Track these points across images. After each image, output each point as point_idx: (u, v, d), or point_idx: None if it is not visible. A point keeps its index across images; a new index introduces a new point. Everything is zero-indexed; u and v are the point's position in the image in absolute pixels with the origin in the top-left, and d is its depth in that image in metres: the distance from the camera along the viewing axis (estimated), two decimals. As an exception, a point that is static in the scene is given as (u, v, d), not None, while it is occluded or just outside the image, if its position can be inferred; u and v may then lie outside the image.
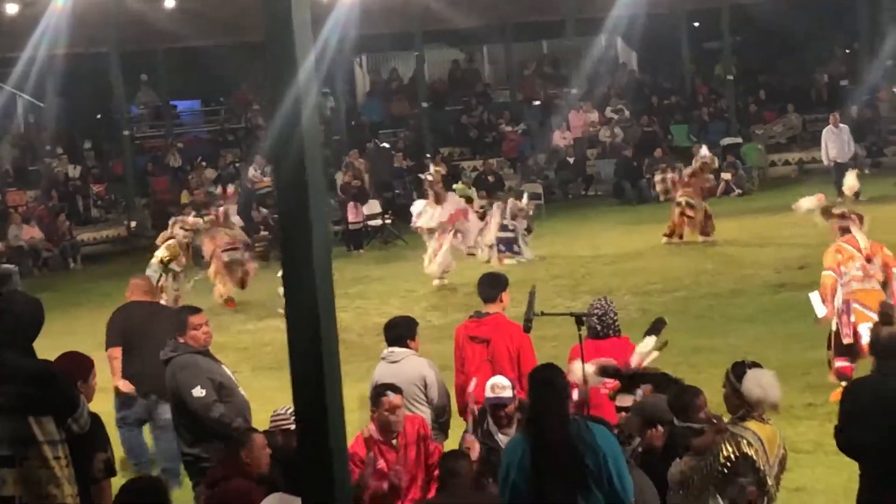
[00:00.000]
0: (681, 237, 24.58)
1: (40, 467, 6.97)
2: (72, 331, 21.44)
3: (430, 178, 23.28)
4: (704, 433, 7.45)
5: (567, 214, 31.48)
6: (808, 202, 14.21)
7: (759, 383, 7.38)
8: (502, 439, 8.39)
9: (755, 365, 7.61)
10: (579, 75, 38.34)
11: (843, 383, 11.97)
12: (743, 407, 7.43)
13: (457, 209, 22.77)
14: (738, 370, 7.52)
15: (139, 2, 30.20)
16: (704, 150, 26.23)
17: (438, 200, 22.60)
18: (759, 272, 20.65)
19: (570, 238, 26.77)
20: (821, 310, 13.45)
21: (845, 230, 13.57)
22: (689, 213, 24.52)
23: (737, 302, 18.78)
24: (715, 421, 7.59)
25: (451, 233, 22.43)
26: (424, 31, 37.49)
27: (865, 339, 12.00)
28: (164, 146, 37.73)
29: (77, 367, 7.82)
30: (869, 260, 13.26)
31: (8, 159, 35.38)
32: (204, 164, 34.91)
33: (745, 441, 7.26)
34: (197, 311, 9.89)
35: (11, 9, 29.87)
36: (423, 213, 22.84)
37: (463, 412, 10.02)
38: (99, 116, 40.10)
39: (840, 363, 13.18)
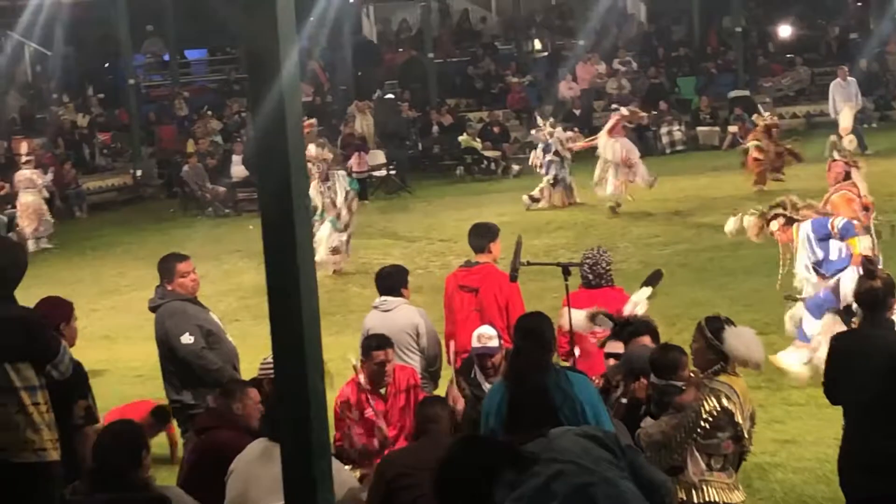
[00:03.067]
0: (763, 183, 24.25)
1: (17, 412, 7.00)
2: (77, 279, 21.61)
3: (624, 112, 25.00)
4: (686, 390, 7.40)
5: (572, 166, 31.37)
6: (732, 224, 13.65)
7: (744, 342, 7.32)
8: (489, 388, 8.40)
9: (729, 321, 7.57)
10: (587, 27, 38.17)
11: None
12: (718, 362, 7.37)
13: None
14: (714, 325, 7.45)
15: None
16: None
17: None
18: (763, 225, 20.61)
19: (575, 187, 26.69)
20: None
21: (847, 175, 13.43)
22: (758, 155, 24.29)
23: (738, 254, 18.74)
24: (692, 376, 7.54)
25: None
26: (433, -20, 37.39)
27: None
28: (171, 95, 37.63)
29: (57, 310, 7.82)
30: (867, 208, 13.17)
31: (15, 107, 35.29)
32: (210, 113, 34.82)
33: (724, 395, 7.20)
34: (184, 258, 9.84)
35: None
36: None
37: (452, 361, 10.08)
38: (106, 65, 40.00)
39: None
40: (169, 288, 9.65)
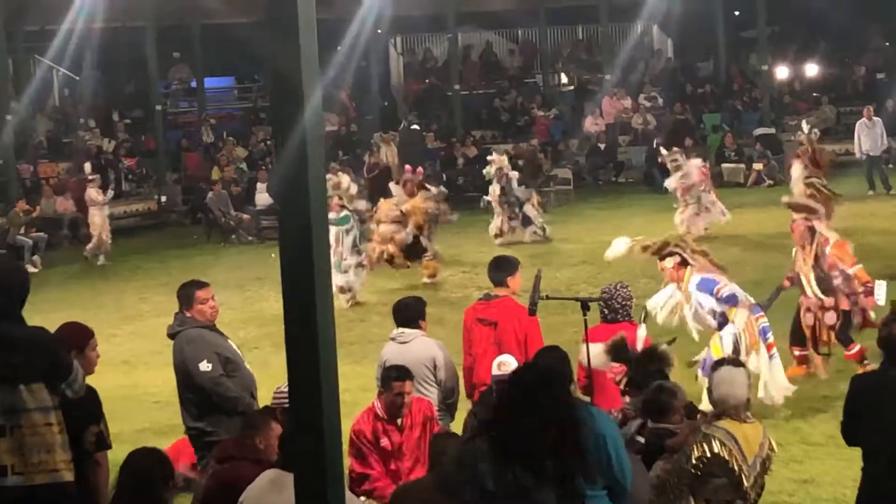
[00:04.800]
0: None
1: (32, 435, 6.98)
2: (99, 304, 21.68)
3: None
4: (678, 434, 7.37)
5: (596, 200, 31.44)
6: (616, 249, 13.58)
7: (724, 382, 7.28)
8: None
9: (734, 362, 7.54)
10: (613, 62, 38.26)
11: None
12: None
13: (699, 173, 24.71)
14: (715, 367, 7.47)
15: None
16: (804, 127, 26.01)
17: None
18: (785, 262, 20.46)
19: (597, 223, 26.71)
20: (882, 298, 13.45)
21: (812, 230, 13.75)
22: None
23: (759, 292, 18.58)
24: (685, 420, 7.51)
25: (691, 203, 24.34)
26: (459, 13, 37.43)
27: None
28: (197, 122, 37.81)
29: (75, 336, 7.80)
30: None
31: (42, 132, 35.45)
32: (233, 140, 34.95)
33: (716, 441, 7.10)
34: (204, 285, 9.82)
35: (49, -19, 30.19)
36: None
37: (471, 394, 10.06)
38: (134, 91, 40.26)
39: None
40: (188, 314, 9.65)
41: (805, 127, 24.36)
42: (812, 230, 13.73)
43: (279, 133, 5.88)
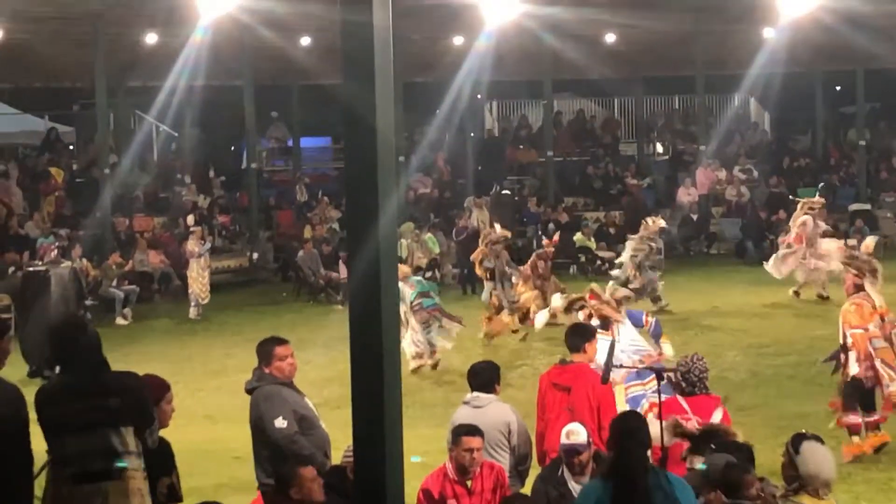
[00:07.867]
0: None
1: (130, 478, 7.14)
2: (185, 357, 21.87)
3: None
4: None
5: (687, 271, 31.24)
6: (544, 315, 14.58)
7: (814, 458, 7.25)
8: (575, 487, 8.34)
9: (816, 438, 7.49)
10: (709, 132, 38.15)
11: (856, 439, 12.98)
12: (797, 479, 7.30)
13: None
14: (797, 441, 7.42)
15: (276, 37, 30.58)
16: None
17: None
18: (875, 341, 20.27)
19: (688, 294, 26.50)
20: (854, 368, 13.42)
21: (859, 287, 13.56)
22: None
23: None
24: (763, 494, 7.44)
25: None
26: (555, 80, 37.53)
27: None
28: (291, 181, 38.17)
29: (152, 389, 7.90)
30: (882, 318, 13.35)
31: (140, 186, 35.95)
32: (326, 199, 35.18)
33: None
34: (283, 341, 9.81)
35: (152, 39, 30.73)
36: None
37: (542, 459, 10.02)
38: (230, 149, 40.79)
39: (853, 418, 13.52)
40: (266, 371, 9.67)
41: None
42: (859, 287, 13.57)
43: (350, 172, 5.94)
